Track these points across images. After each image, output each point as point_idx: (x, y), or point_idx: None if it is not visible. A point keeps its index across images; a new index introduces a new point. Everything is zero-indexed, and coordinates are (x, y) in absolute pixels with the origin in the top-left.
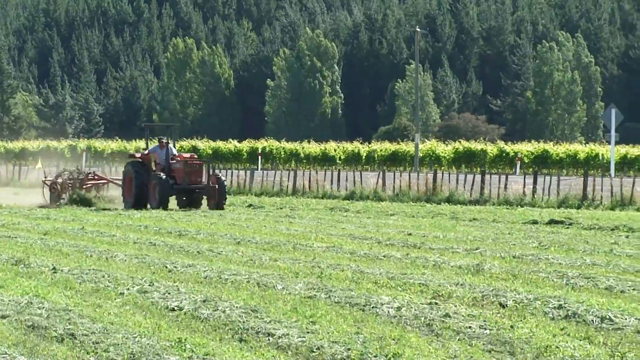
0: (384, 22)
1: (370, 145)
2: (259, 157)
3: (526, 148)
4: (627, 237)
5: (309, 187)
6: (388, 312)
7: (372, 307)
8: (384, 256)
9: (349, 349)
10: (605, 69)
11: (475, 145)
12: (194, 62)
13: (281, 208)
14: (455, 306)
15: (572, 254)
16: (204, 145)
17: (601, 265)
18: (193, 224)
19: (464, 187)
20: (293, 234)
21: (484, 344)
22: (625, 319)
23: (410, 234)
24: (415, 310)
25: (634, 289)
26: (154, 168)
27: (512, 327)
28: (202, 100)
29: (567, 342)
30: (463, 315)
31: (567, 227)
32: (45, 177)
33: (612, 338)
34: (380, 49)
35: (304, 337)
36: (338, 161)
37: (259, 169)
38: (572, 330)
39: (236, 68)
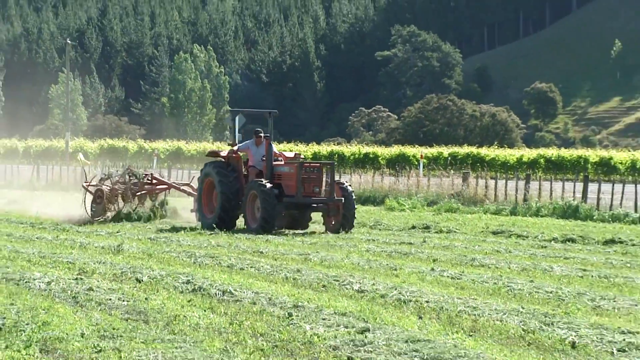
0: (40, 35)
1: (26, 142)
2: None
3: (163, 146)
4: None
5: None
6: (39, 286)
7: (26, 282)
8: (37, 238)
9: (4, 318)
10: (232, 78)
11: (119, 143)
12: None
13: None
14: (98, 281)
15: (199, 237)
16: None
17: (224, 247)
18: None
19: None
20: None
21: (122, 314)
22: (243, 292)
23: None
24: (63, 284)
25: (251, 267)
26: (244, 172)
27: (146, 299)
28: None
29: (193, 312)
30: (104, 289)
31: None
32: (88, 181)
33: (232, 308)
34: (37, 58)
35: None
36: None
37: None
38: (198, 302)
39: None
